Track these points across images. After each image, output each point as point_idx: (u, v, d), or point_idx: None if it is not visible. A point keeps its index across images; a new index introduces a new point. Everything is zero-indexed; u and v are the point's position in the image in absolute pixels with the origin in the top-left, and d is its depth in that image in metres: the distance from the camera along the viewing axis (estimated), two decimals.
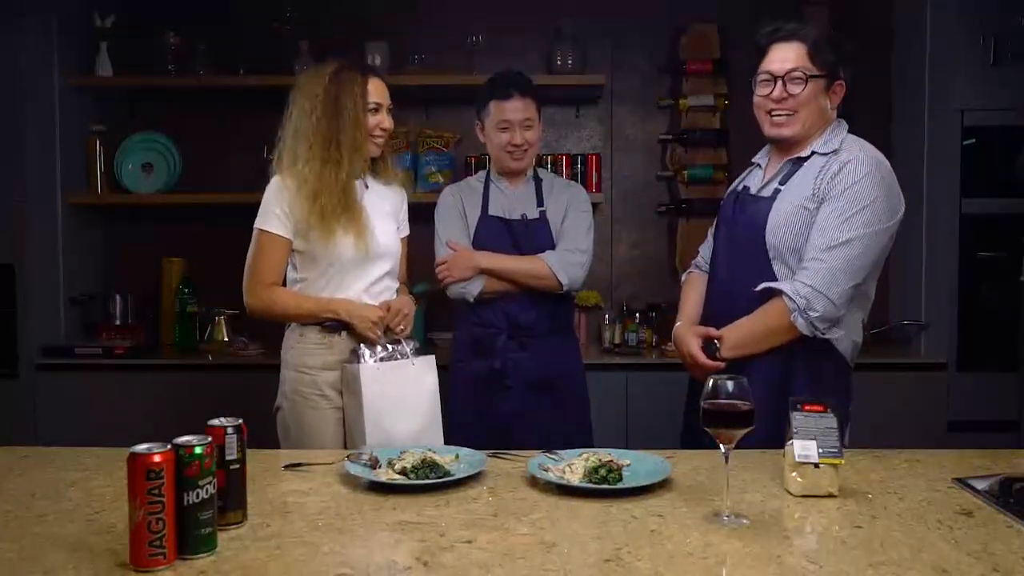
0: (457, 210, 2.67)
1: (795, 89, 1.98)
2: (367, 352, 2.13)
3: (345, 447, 2.16)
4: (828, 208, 1.92)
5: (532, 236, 2.62)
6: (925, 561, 1.25)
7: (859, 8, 3.65)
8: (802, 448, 1.52)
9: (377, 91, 2.21)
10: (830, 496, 1.52)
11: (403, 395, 2.14)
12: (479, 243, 2.63)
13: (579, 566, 1.24)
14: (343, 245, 2.15)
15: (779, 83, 1.99)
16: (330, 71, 2.18)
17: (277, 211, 2.15)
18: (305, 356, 2.21)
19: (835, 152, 1.99)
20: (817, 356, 1.98)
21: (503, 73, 2.71)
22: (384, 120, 2.22)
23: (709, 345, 2.01)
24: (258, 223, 2.18)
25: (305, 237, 2.16)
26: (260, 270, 2.18)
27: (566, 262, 2.57)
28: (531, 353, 2.60)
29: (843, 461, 1.53)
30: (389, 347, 2.17)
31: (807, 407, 1.57)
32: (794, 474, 1.53)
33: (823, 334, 1.94)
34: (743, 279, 2.02)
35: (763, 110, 2.04)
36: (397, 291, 2.34)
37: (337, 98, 2.15)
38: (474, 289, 2.57)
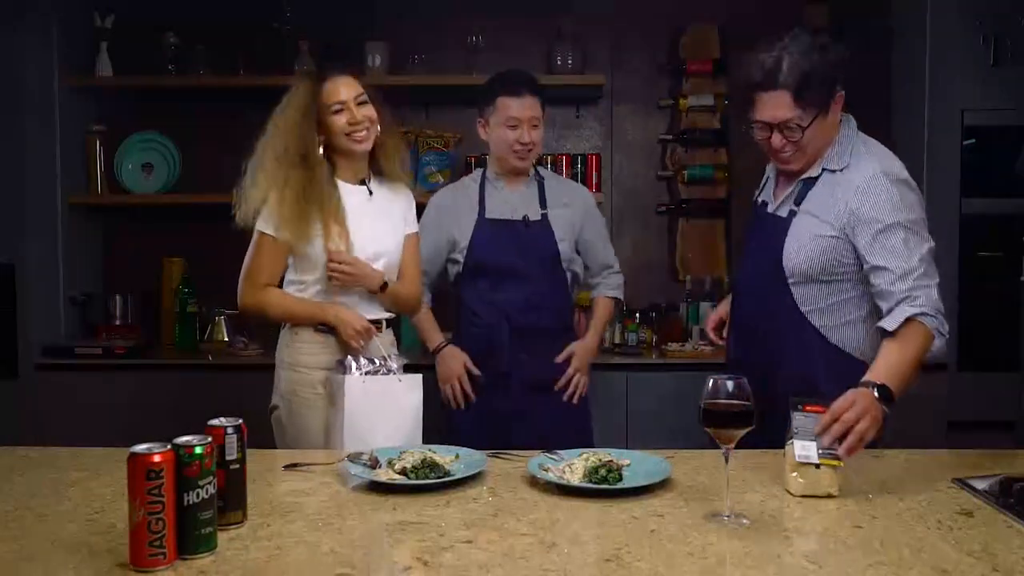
0: (444, 219, 2.64)
1: (794, 136, 1.91)
2: (354, 364, 2.13)
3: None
4: (883, 240, 1.87)
5: (534, 239, 2.61)
6: (925, 561, 1.25)
7: (859, 8, 3.65)
8: (802, 448, 1.52)
9: (341, 90, 2.17)
10: (830, 496, 1.52)
11: (385, 411, 2.11)
12: (477, 248, 2.60)
13: (579, 566, 1.24)
14: (319, 247, 2.15)
15: (776, 132, 1.92)
16: (290, 91, 2.20)
17: (275, 214, 2.15)
18: (300, 355, 2.21)
19: (844, 169, 1.93)
20: (842, 365, 1.94)
21: (510, 70, 2.69)
22: (354, 114, 2.16)
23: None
24: (259, 224, 2.18)
25: (292, 239, 2.16)
26: (255, 270, 2.19)
27: (617, 285, 2.83)
28: (533, 354, 2.59)
29: (843, 463, 1.53)
30: (376, 361, 2.16)
31: (808, 408, 1.56)
32: (794, 474, 1.53)
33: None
34: (767, 303, 2.01)
35: (767, 148, 1.99)
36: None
37: (286, 108, 2.18)
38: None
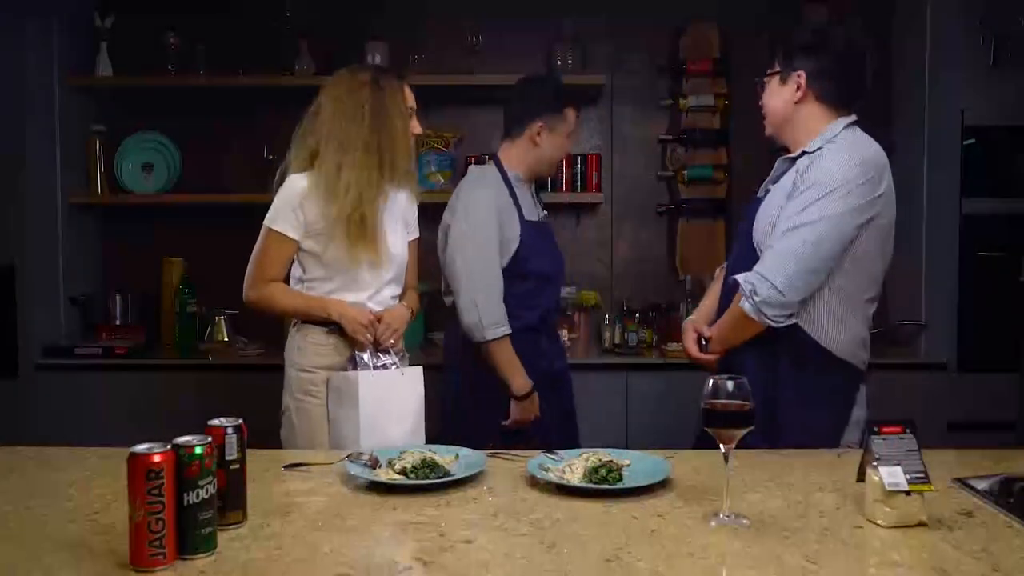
0: (494, 227, 2.47)
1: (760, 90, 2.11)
2: (364, 359, 2.16)
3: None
4: (792, 200, 1.93)
5: (547, 235, 2.67)
6: (925, 561, 1.25)
7: (859, 8, 3.65)
8: (889, 475, 1.38)
9: (411, 96, 2.25)
10: (921, 525, 1.38)
11: (393, 403, 2.16)
12: (528, 249, 2.53)
13: (579, 566, 1.24)
14: (360, 254, 2.17)
15: None
16: (369, 76, 2.20)
17: (291, 212, 2.16)
18: (312, 356, 2.22)
19: (817, 151, 1.97)
20: (802, 358, 1.96)
21: (560, 79, 2.77)
22: (417, 125, 2.24)
23: (703, 341, 2.12)
24: (268, 221, 2.18)
25: (320, 241, 2.16)
26: (263, 266, 2.20)
27: None
28: (559, 346, 2.68)
29: (933, 487, 1.39)
30: (380, 356, 2.20)
31: (885, 429, 1.43)
32: (884, 506, 1.39)
33: (774, 322, 1.90)
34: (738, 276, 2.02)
35: None
36: (400, 297, 2.34)
37: (386, 107, 2.17)
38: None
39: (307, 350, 2.23)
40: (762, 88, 2.10)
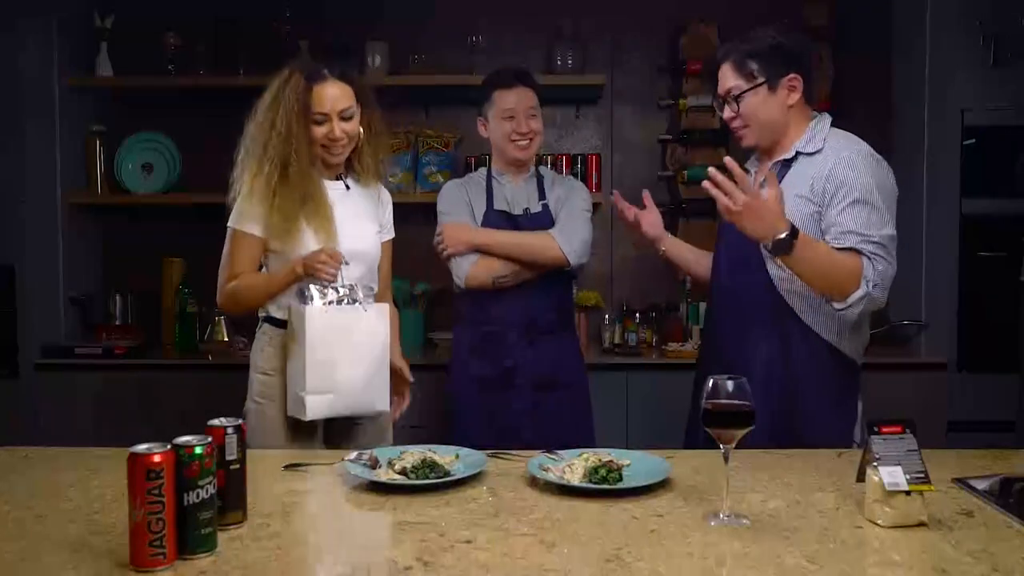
0: (463, 201, 2.64)
1: (736, 107, 2.05)
2: (316, 293, 2.07)
3: (286, 405, 2.12)
4: (837, 209, 1.92)
5: (534, 228, 2.61)
6: (925, 561, 1.25)
7: (859, 8, 3.65)
8: (889, 475, 1.37)
9: (330, 99, 2.11)
10: (921, 525, 1.38)
11: (350, 341, 2.08)
12: None
13: (579, 566, 1.24)
14: (305, 245, 2.11)
15: (725, 105, 2.09)
16: (279, 80, 2.14)
17: (250, 209, 2.13)
18: (272, 359, 2.17)
19: (820, 152, 2.00)
20: (820, 364, 2.00)
21: (504, 66, 2.73)
22: (334, 130, 2.12)
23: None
24: (231, 221, 2.16)
25: (273, 236, 2.13)
26: (232, 267, 2.16)
27: (569, 236, 2.55)
28: (538, 351, 2.59)
29: (933, 487, 1.39)
30: (340, 290, 2.10)
31: (884, 429, 1.43)
32: (884, 506, 1.38)
33: (852, 318, 1.94)
34: (745, 279, 2.03)
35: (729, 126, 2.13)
36: (374, 298, 2.25)
37: (275, 110, 2.12)
38: (465, 263, 2.53)
39: (267, 352, 2.18)
40: (721, 106, 2.09)
